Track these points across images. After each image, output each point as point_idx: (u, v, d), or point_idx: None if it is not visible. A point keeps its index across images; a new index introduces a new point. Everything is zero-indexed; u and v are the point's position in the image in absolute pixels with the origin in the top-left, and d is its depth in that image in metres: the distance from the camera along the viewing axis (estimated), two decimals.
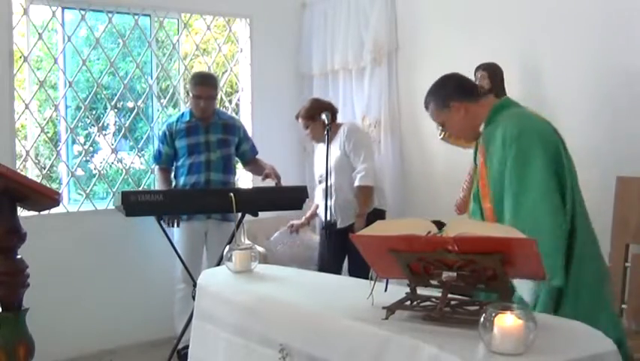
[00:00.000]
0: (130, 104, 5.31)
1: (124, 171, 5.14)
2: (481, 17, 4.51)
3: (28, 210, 2.70)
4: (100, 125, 5.21)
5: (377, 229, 2.40)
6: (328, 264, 4.39)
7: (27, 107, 4.70)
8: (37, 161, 5.06)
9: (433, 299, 2.24)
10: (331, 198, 4.42)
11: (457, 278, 2.13)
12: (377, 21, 5.16)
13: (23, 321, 2.38)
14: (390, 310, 2.21)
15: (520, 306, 1.90)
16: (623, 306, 3.53)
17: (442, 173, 4.85)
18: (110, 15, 4.97)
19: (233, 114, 5.52)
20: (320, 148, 4.71)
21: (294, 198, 4.38)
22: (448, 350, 1.89)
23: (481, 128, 2.71)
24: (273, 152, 4.84)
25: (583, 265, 2.50)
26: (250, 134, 5.40)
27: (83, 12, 4.84)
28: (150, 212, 4.07)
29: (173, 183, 4.68)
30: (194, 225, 4.56)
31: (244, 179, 5.29)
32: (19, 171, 4.30)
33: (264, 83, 5.60)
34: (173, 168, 4.68)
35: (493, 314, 1.85)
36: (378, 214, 4.55)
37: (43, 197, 2.43)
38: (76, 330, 4.64)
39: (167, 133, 4.58)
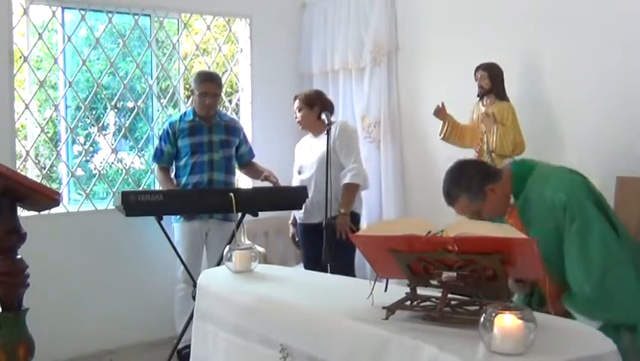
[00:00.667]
0: (130, 104, 5.31)
1: (124, 171, 5.14)
2: (481, 17, 4.50)
3: (28, 210, 2.70)
4: (100, 125, 5.21)
5: (377, 229, 2.40)
6: (314, 261, 4.39)
7: (27, 107, 4.70)
8: (37, 161, 5.06)
9: (433, 299, 2.24)
10: (309, 190, 4.43)
11: (457, 278, 2.14)
12: (377, 21, 5.16)
13: (23, 321, 2.37)
14: (391, 310, 2.21)
15: (520, 306, 1.90)
16: None
17: (442, 173, 4.78)
18: (110, 15, 4.97)
19: (233, 114, 5.52)
20: (305, 140, 4.72)
21: (294, 198, 4.39)
22: (448, 350, 1.90)
23: (512, 200, 2.74)
24: (272, 152, 4.84)
25: None
26: (250, 133, 5.41)
27: (83, 12, 4.84)
28: (150, 212, 4.07)
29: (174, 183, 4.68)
30: (196, 225, 4.56)
31: (244, 179, 5.29)
32: (19, 171, 4.30)
33: (264, 83, 5.59)
34: (173, 167, 4.68)
35: (493, 314, 1.85)
36: (354, 216, 4.51)
37: (43, 197, 2.43)
38: (77, 330, 4.64)
39: (169, 132, 4.57)
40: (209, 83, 4.52)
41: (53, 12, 4.75)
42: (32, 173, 4.79)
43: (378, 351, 2.09)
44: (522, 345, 1.83)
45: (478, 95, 4.18)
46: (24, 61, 4.70)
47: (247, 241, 4.90)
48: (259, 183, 4.83)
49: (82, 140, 5.25)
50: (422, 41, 4.96)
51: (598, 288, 2.53)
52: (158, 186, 5.15)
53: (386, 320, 2.19)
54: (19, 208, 2.46)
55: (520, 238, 2.12)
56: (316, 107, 4.54)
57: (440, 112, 4.31)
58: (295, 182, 4.68)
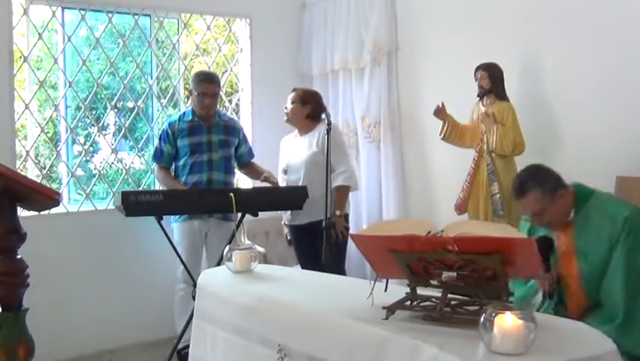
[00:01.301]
0: (130, 104, 5.31)
1: (124, 171, 5.14)
2: (481, 17, 4.51)
3: (28, 210, 2.70)
4: (100, 125, 5.21)
5: (377, 229, 2.40)
6: (308, 262, 4.40)
7: (27, 107, 4.70)
8: (37, 161, 5.06)
9: (433, 299, 2.24)
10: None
11: (457, 278, 2.14)
12: (377, 21, 5.16)
13: (23, 321, 2.37)
14: (390, 310, 2.21)
15: (520, 306, 1.90)
16: None
17: (442, 173, 4.85)
18: (110, 15, 4.97)
19: (233, 114, 5.52)
20: (290, 139, 4.68)
21: (294, 198, 4.38)
22: (448, 350, 1.90)
23: (572, 215, 2.85)
24: (272, 152, 4.83)
25: None
26: (250, 134, 5.41)
27: (83, 12, 4.84)
28: (150, 212, 4.07)
29: None
30: (195, 224, 4.55)
31: (244, 179, 5.29)
32: (19, 171, 4.30)
33: (263, 83, 5.59)
34: (172, 167, 4.67)
35: (493, 314, 1.85)
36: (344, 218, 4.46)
37: (43, 197, 2.43)
38: (76, 330, 4.64)
39: (168, 132, 4.57)
40: (207, 83, 4.52)
41: (53, 12, 4.75)
42: (32, 173, 4.79)
43: (378, 351, 2.09)
44: (522, 345, 1.83)
45: (478, 95, 4.18)
46: (24, 61, 4.70)
47: (247, 241, 4.90)
48: (259, 184, 4.83)
49: (82, 140, 5.24)
50: (422, 41, 4.96)
51: (631, 312, 2.63)
52: (158, 186, 5.15)
53: (386, 319, 2.19)
54: (19, 208, 2.45)
55: (519, 238, 2.12)
56: (308, 106, 4.52)
57: (440, 112, 4.32)
58: (281, 181, 4.65)
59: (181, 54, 5.47)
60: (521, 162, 4.06)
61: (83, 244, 4.74)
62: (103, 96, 5.13)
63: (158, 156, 4.61)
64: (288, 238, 4.75)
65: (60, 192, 3.68)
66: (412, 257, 2.20)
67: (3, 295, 2.33)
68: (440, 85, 4.75)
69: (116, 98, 5.15)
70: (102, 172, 5.13)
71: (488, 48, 4.30)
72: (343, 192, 4.46)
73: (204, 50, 5.97)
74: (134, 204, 3.99)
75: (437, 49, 4.83)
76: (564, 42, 4.02)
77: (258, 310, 2.65)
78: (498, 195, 4.01)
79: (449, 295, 2.19)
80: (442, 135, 4.35)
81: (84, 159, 5.21)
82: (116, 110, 5.28)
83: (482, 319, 1.86)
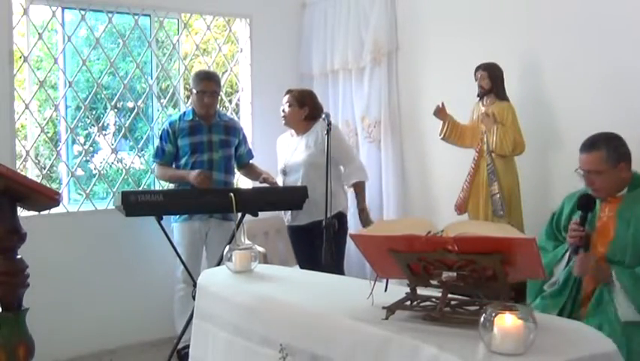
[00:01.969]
0: (130, 104, 5.31)
1: (124, 171, 5.14)
2: (481, 17, 4.51)
3: (28, 210, 2.70)
4: (100, 125, 5.20)
5: (377, 228, 2.40)
6: (308, 262, 4.40)
7: (27, 107, 4.69)
8: (37, 161, 5.06)
9: (433, 299, 2.24)
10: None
11: (457, 278, 2.14)
12: (377, 21, 5.16)
13: (23, 321, 2.37)
14: (391, 310, 2.21)
15: (519, 306, 1.90)
16: None
17: (442, 173, 4.85)
18: (110, 15, 4.96)
19: (233, 114, 5.52)
20: (287, 138, 4.67)
21: (294, 198, 4.38)
22: (448, 350, 1.90)
23: (624, 192, 2.95)
24: (272, 152, 4.83)
25: None
26: (250, 134, 5.41)
27: (82, 12, 4.84)
28: (150, 212, 4.07)
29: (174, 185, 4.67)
30: (196, 224, 4.55)
31: (243, 179, 5.28)
32: (19, 171, 4.30)
33: (264, 83, 5.59)
34: (173, 167, 4.67)
35: (493, 314, 1.85)
36: (341, 217, 4.45)
37: (43, 197, 2.43)
38: (76, 330, 4.63)
39: (169, 131, 4.56)
40: (207, 82, 4.52)
41: (53, 12, 4.75)
42: (32, 173, 4.79)
43: (378, 351, 2.09)
44: (522, 345, 1.83)
45: (478, 95, 4.18)
46: (24, 61, 4.70)
47: (247, 241, 4.89)
48: (259, 184, 4.82)
49: (82, 140, 5.24)
50: (422, 41, 4.96)
51: None
52: (158, 186, 5.15)
53: (386, 319, 2.19)
54: (19, 208, 2.46)
55: (519, 238, 2.12)
56: (306, 108, 4.51)
57: (440, 112, 4.32)
58: (279, 182, 4.66)
59: (181, 54, 5.47)
60: (521, 162, 4.08)
61: (83, 244, 4.74)
62: (103, 96, 5.12)
63: (160, 155, 4.59)
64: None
65: (60, 192, 3.69)
66: (412, 257, 2.20)
67: (3, 295, 2.33)
68: (440, 85, 4.75)
69: (116, 98, 5.14)
70: (102, 172, 5.12)
71: (488, 48, 4.31)
72: (361, 187, 4.60)
73: (204, 50, 5.97)
74: (134, 204, 3.99)
75: (437, 49, 4.83)
76: (564, 42, 4.02)
77: (258, 310, 2.65)
78: (498, 195, 4.01)
79: (449, 295, 2.19)
80: (442, 135, 4.35)
81: (84, 159, 5.21)
82: (116, 110, 5.28)
83: (482, 319, 1.86)
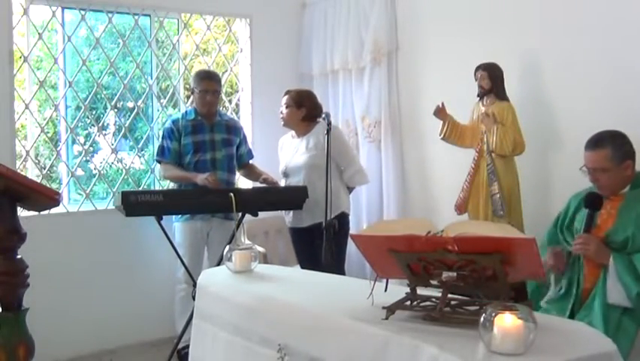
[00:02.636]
0: (130, 104, 5.31)
1: (124, 171, 5.14)
2: (481, 17, 4.51)
3: (28, 210, 2.70)
4: (100, 125, 5.20)
5: (377, 228, 2.40)
6: (309, 263, 4.41)
7: (27, 107, 4.69)
8: (37, 161, 5.06)
9: (433, 299, 2.24)
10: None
11: (457, 278, 2.14)
12: (377, 21, 5.16)
13: (23, 321, 2.37)
14: (391, 310, 2.21)
15: (519, 306, 1.90)
16: None
17: (442, 173, 4.85)
18: (110, 15, 4.96)
19: (233, 114, 5.52)
20: (289, 140, 4.66)
21: (294, 198, 4.39)
22: (448, 350, 1.90)
23: (626, 189, 2.99)
24: (273, 152, 4.83)
25: None
26: (250, 134, 5.41)
27: (83, 12, 4.84)
28: (150, 212, 4.07)
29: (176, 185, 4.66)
30: (197, 224, 4.54)
31: (243, 179, 5.28)
32: (19, 171, 4.30)
33: (263, 83, 5.59)
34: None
35: (493, 314, 1.85)
36: (343, 217, 4.45)
37: (43, 197, 2.43)
38: (76, 330, 4.63)
39: (173, 129, 4.54)
40: (208, 81, 4.53)
41: (53, 12, 4.75)
42: (32, 173, 4.79)
43: (378, 351, 2.09)
44: (522, 345, 1.83)
45: (478, 95, 4.18)
46: (24, 61, 4.70)
47: (247, 241, 4.89)
48: (259, 184, 4.82)
49: (82, 140, 5.24)
50: (422, 41, 4.96)
51: None
52: (158, 186, 5.15)
53: (386, 320, 2.19)
54: (19, 208, 2.46)
55: (520, 238, 2.12)
56: (303, 109, 4.51)
57: (440, 112, 4.32)
58: (281, 184, 4.66)
59: (181, 54, 5.47)
60: (521, 162, 4.07)
61: (83, 244, 4.74)
62: (103, 96, 5.12)
63: (166, 154, 4.55)
64: None
65: (60, 192, 3.69)
66: (412, 257, 2.20)
67: (3, 295, 2.33)
68: (440, 85, 4.75)
69: (115, 98, 5.14)
70: (102, 172, 5.12)
71: (488, 48, 4.30)
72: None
73: (204, 50, 5.97)
74: (134, 204, 4.00)
75: (437, 49, 4.83)
76: (564, 42, 4.02)
77: (258, 310, 2.65)
78: (498, 195, 4.01)
79: (449, 295, 2.19)
80: (442, 135, 4.35)
81: (84, 159, 5.21)
82: (116, 110, 5.28)
83: (482, 319, 1.86)
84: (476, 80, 4.14)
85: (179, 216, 4.54)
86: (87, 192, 4.92)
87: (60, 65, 4.85)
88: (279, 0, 5.71)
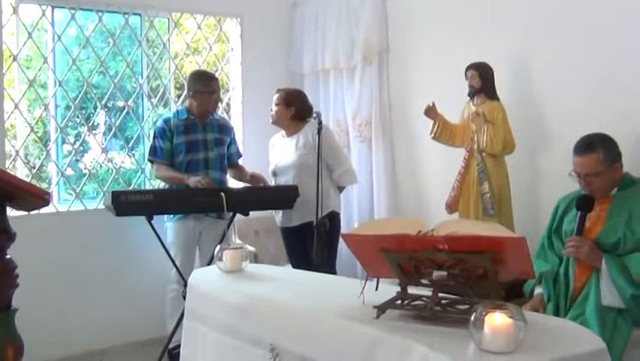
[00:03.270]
0: (120, 104, 5.29)
1: (114, 170, 5.12)
2: (472, 18, 4.51)
3: (18, 209, 2.68)
4: (90, 124, 5.18)
5: (368, 228, 2.41)
6: (300, 261, 4.42)
7: (16, 106, 4.67)
8: (26, 160, 5.03)
9: (424, 298, 2.24)
10: None
11: (448, 277, 2.14)
12: (368, 20, 5.16)
13: (12, 321, 2.36)
14: (381, 309, 2.21)
15: (510, 304, 1.91)
16: None
17: (433, 172, 4.86)
18: (100, 14, 4.95)
19: (224, 114, 5.51)
20: (279, 139, 4.66)
21: (285, 197, 4.38)
22: (438, 349, 1.90)
23: (614, 191, 3.01)
24: (263, 151, 4.83)
25: None
26: (240, 133, 5.41)
27: (72, 11, 4.82)
28: (140, 212, 4.06)
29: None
30: (190, 224, 4.52)
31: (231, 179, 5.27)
32: (8, 170, 4.28)
33: (254, 82, 5.58)
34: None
35: (484, 313, 1.86)
36: (334, 216, 4.46)
37: (32, 197, 2.41)
38: (67, 330, 4.61)
39: (165, 128, 4.51)
40: (215, 82, 4.60)
41: (43, 11, 4.72)
42: (22, 172, 4.76)
43: (369, 350, 2.09)
44: (512, 343, 1.84)
45: (468, 95, 4.19)
46: (13, 60, 4.67)
47: (238, 241, 4.89)
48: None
49: (72, 139, 5.21)
50: (413, 41, 4.97)
51: None
52: (148, 186, 5.14)
53: (377, 319, 2.20)
54: (8, 208, 2.44)
55: (510, 237, 2.13)
56: (292, 108, 4.51)
57: (431, 111, 4.32)
58: (271, 183, 4.67)
59: (171, 53, 5.45)
60: (511, 162, 4.09)
61: (73, 243, 4.72)
62: (93, 95, 5.10)
63: (158, 153, 4.52)
64: None
65: (50, 191, 3.67)
66: (403, 256, 2.21)
67: None
68: (431, 84, 4.76)
69: (106, 97, 5.12)
70: (92, 172, 5.10)
71: (479, 48, 4.31)
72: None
73: (195, 49, 5.95)
74: (125, 203, 3.99)
75: (428, 48, 4.84)
76: (554, 42, 4.03)
77: (249, 309, 2.64)
78: (488, 195, 4.02)
79: (440, 294, 2.19)
80: (432, 135, 4.35)
81: (74, 158, 5.18)
82: (106, 109, 5.25)
83: (473, 318, 1.87)
84: (467, 79, 4.15)
85: (172, 215, 4.53)
86: (77, 191, 4.91)
87: (50, 65, 4.83)
88: None
